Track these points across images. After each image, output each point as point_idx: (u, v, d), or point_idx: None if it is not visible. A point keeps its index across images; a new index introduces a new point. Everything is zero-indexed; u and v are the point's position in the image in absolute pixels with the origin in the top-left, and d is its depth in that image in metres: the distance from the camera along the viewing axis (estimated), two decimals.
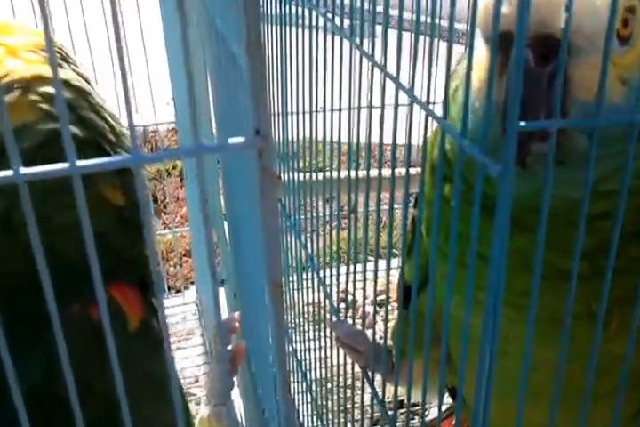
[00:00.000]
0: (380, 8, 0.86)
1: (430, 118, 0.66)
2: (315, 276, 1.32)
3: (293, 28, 1.32)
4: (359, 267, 1.08)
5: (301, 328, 1.72)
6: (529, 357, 0.64)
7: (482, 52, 0.71)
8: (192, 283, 3.18)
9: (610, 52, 0.55)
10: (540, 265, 0.58)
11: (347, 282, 1.13)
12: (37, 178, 0.40)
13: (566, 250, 0.68)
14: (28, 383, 0.56)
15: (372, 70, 0.85)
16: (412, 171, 0.92)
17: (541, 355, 0.86)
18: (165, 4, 1.73)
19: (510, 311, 0.84)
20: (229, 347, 1.05)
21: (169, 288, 3.24)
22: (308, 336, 1.65)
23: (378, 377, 1.06)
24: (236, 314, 1.12)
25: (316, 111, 1.22)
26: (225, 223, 1.94)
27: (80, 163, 0.40)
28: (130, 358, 0.54)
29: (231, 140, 0.43)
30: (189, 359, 2.66)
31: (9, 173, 0.39)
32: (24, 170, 0.39)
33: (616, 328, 0.82)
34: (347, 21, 1.01)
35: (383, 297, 2.25)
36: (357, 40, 0.91)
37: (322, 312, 1.44)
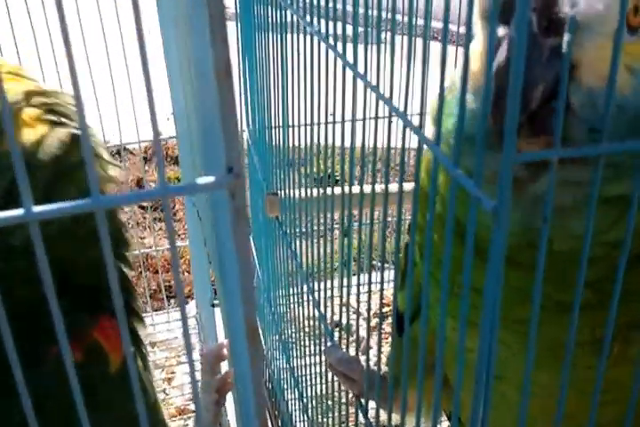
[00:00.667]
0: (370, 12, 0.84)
1: (410, 133, 0.63)
2: (309, 294, 1.29)
3: (283, 35, 1.30)
4: (354, 280, 1.05)
5: (301, 343, 1.69)
6: (528, 383, 0.60)
7: (478, 45, 0.67)
8: (192, 298, 3.15)
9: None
10: (538, 297, 0.55)
11: (340, 297, 1.10)
12: None
13: (566, 283, 0.65)
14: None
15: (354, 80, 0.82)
16: (407, 186, 0.89)
17: (540, 381, 0.82)
18: (164, 24, 1.71)
19: (508, 336, 0.81)
20: (217, 376, 1.02)
21: (171, 297, 3.22)
22: (309, 351, 1.62)
23: (372, 404, 1.03)
24: (225, 341, 1.09)
25: (312, 124, 1.19)
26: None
27: (37, 209, 0.37)
28: (111, 399, 0.51)
29: (200, 180, 0.40)
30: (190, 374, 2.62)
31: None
32: None
33: (618, 354, 0.79)
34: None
35: (383, 310, 2.21)
36: (340, 49, 0.88)
37: (322, 326, 1.41)
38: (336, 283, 1.14)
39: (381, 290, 0.85)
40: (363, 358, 1.03)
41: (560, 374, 0.61)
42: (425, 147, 0.62)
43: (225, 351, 1.05)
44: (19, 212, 0.37)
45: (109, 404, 0.54)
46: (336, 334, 1.18)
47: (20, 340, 0.42)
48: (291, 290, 1.59)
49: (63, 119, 0.81)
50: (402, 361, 0.79)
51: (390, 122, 0.73)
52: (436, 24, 0.58)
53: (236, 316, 0.50)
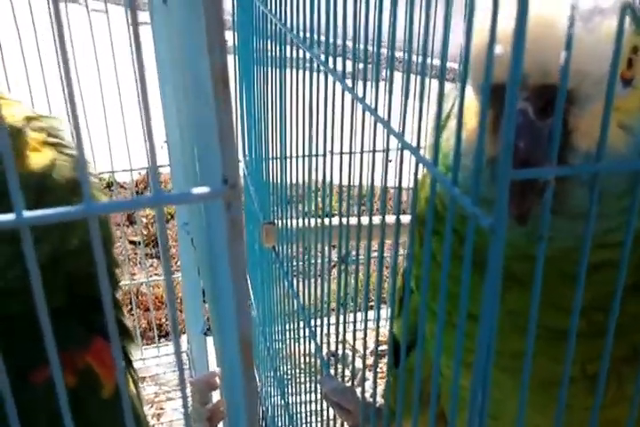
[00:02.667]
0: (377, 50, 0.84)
1: (421, 164, 0.63)
2: (306, 327, 1.28)
3: (291, 71, 1.31)
4: (350, 317, 1.04)
5: (297, 380, 1.66)
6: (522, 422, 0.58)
7: (473, 102, 0.67)
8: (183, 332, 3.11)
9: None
10: (534, 322, 0.54)
11: (337, 333, 1.09)
12: None
13: (559, 306, 0.64)
14: None
15: (364, 114, 0.83)
16: (404, 218, 0.89)
17: (533, 421, 0.80)
18: (159, 50, 1.73)
19: (501, 375, 0.79)
20: (209, 405, 1.00)
21: (166, 334, 3.17)
22: (304, 388, 1.59)
23: None
24: (217, 370, 1.07)
25: (310, 155, 1.19)
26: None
27: (28, 214, 0.37)
28: (104, 425, 0.50)
29: (196, 190, 0.40)
30: (179, 411, 2.57)
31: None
32: None
33: (614, 392, 0.76)
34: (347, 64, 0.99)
35: (379, 348, 2.19)
36: (350, 83, 0.89)
37: (317, 363, 1.39)
38: (333, 319, 1.13)
39: (377, 327, 0.84)
40: (358, 390, 1.01)
41: (553, 414, 0.60)
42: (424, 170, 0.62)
43: (217, 380, 1.03)
44: (11, 217, 0.36)
45: None
46: (332, 365, 1.16)
47: (10, 359, 0.41)
48: (287, 325, 1.58)
49: (63, 142, 0.84)
50: (397, 393, 0.78)
51: (387, 151, 0.73)
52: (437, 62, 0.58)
53: (230, 331, 0.49)
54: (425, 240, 0.61)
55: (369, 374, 1.91)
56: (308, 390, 1.53)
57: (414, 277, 0.81)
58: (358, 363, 1.87)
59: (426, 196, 0.82)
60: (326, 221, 1.10)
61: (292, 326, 1.51)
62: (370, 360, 2.30)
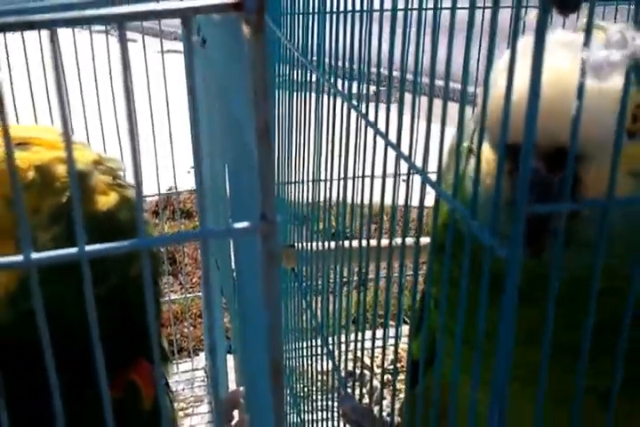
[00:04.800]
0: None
1: (434, 193, 0.67)
2: (324, 346, 1.31)
3: (301, 93, 1.36)
4: (368, 334, 1.07)
5: (311, 397, 1.69)
6: None
7: (490, 152, 0.72)
8: (202, 349, 3.14)
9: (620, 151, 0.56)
10: (548, 340, 0.57)
11: (355, 351, 1.12)
12: (46, 262, 0.41)
13: (568, 325, 0.67)
14: None
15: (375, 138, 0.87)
16: (423, 240, 0.93)
17: None
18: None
19: (517, 388, 0.82)
20: (233, 422, 1.03)
21: (181, 350, 3.20)
22: (319, 406, 1.61)
23: None
24: (241, 388, 1.11)
25: (328, 180, 1.23)
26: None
27: (88, 248, 0.41)
28: None
29: (237, 225, 0.43)
30: None
31: (19, 257, 0.39)
32: (34, 255, 0.40)
33: (625, 413, 0.79)
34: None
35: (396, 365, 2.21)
36: (362, 107, 0.93)
37: (332, 381, 1.41)
38: (351, 337, 1.16)
39: (396, 345, 0.87)
40: (376, 409, 1.04)
41: None
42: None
43: (241, 399, 1.07)
44: (73, 250, 0.40)
45: None
46: (349, 385, 1.19)
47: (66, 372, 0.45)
48: (303, 343, 1.61)
49: (124, 184, 0.91)
50: (414, 413, 0.81)
51: (409, 178, 0.77)
52: (455, 85, 0.62)
53: (260, 356, 0.53)
54: (444, 266, 0.65)
55: (386, 393, 1.93)
56: (322, 408, 1.56)
57: (433, 297, 0.85)
58: (375, 382, 1.89)
59: (443, 221, 0.86)
60: (343, 242, 1.14)
61: (308, 344, 1.54)
62: (386, 378, 2.33)
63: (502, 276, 0.53)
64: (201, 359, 2.99)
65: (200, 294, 3.27)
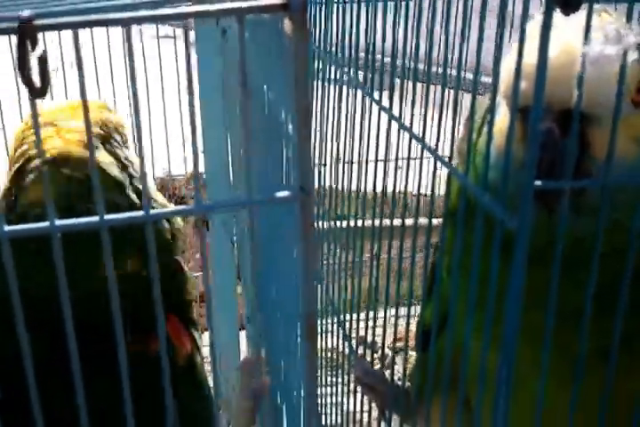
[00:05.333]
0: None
1: (441, 166, 0.74)
2: (334, 319, 1.37)
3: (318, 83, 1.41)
4: (380, 313, 1.14)
5: (320, 372, 1.75)
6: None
7: (504, 118, 0.78)
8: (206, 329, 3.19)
9: (624, 115, 0.62)
10: (554, 301, 0.64)
11: (366, 327, 1.19)
12: (70, 229, 0.47)
13: (574, 287, 0.74)
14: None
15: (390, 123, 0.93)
16: (434, 221, 0.99)
17: (552, 397, 0.90)
18: (203, 56, 1.82)
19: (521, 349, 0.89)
20: (255, 383, 1.10)
21: None
22: (324, 382, 1.67)
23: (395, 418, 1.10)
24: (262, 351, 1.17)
25: (343, 162, 1.29)
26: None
27: (108, 216, 0.47)
28: (176, 392, 0.60)
29: (279, 194, 0.50)
30: None
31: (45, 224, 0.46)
32: (58, 222, 0.46)
33: (626, 367, 0.86)
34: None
35: (401, 344, 2.28)
36: (376, 95, 0.99)
37: (339, 358, 1.48)
38: (362, 316, 1.23)
39: (408, 314, 0.94)
40: (387, 373, 1.12)
41: (569, 389, 0.70)
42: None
43: (255, 364, 1.13)
44: (94, 219, 0.47)
45: (176, 398, 0.62)
46: (360, 350, 1.26)
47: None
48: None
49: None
50: (426, 376, 0.87)
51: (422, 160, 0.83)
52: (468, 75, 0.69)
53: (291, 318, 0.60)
54: (457, 232, 0.72)
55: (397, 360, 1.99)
56: (330, 383, 1.62)
57: (445, 266, 0.91)
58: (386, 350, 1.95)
59: (455, 191, 0.93)
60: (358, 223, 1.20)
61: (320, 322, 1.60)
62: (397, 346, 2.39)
63: (512, 240, 0.60)
64: (205, 338, 3.04)
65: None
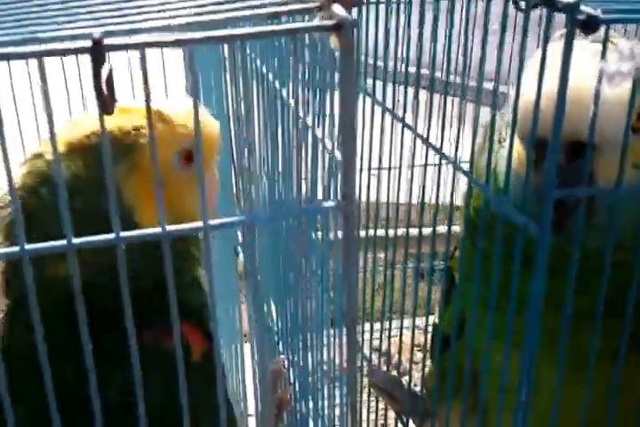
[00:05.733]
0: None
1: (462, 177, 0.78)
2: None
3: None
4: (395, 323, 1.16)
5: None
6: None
7: (519, 145, 0.84)
8: None
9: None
10: (570, 306, 0.69)
11: (381, 336, 1.21)
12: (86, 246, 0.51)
13: (584, 292, 0.78)
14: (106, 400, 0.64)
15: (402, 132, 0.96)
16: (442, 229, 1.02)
17: (564, 396, 0.94)
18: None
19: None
20: (278, 393, 1.12)
21: None
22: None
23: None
24: (282, 357, 1.19)
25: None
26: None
27: (124, 234, 0.50)
28: (190, 387, 0.62)
29: (325, 204, 0.53)
30: None
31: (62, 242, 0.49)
32: (75, 240, 0.49)
33: (634, 366, 0.90)
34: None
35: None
36: (397, 110, 1.02)
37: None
38: (376, 326, 1.26)
39: (426, 317, 0.97)
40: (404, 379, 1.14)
41: (582, 385, 0.75)
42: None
43: (283, 369, 1.15)
44: (110, 236, 0.50)
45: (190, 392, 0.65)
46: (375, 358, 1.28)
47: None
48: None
49: None
50: (445, 379, 0.91)
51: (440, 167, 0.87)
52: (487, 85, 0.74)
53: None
54: (477, 244, 0.76)
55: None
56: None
57: (465, 275, 0.95)
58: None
59: (475, 203, 0.97)
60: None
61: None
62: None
63: (530, 252, 0.64)
64: None
65: None
